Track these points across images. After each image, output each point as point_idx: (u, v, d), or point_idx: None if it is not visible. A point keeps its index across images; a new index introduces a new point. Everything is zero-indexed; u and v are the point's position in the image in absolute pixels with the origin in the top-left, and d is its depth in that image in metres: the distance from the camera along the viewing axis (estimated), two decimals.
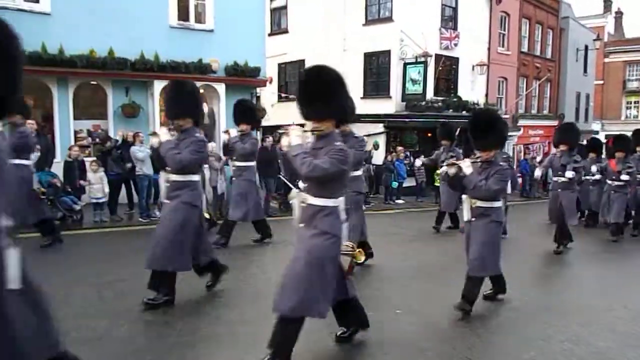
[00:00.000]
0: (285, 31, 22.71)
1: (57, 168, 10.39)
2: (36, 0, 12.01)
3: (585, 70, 33.12)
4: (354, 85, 20.18)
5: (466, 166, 5.40)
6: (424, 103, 19.38)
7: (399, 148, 18.30)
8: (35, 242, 8.04)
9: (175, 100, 5.54)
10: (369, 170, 16.22)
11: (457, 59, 21.04)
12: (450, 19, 20.96)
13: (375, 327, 4.95)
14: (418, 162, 13.55)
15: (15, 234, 2.49)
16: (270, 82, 16.46)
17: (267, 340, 3.91)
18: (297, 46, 21.19)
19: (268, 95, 19.72)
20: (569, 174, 8.90)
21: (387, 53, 19.88)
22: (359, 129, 19.58)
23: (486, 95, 22.72)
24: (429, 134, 19.07)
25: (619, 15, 44.50)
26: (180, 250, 5.30)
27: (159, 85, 12.84)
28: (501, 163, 5.63)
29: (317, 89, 3.87)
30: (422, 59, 19.15)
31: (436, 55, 19.84)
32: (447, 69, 20.89)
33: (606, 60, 40.71)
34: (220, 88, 14.45)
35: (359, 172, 6.99)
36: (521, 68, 25.88)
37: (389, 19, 19.83)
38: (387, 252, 8.91)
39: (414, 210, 15.31)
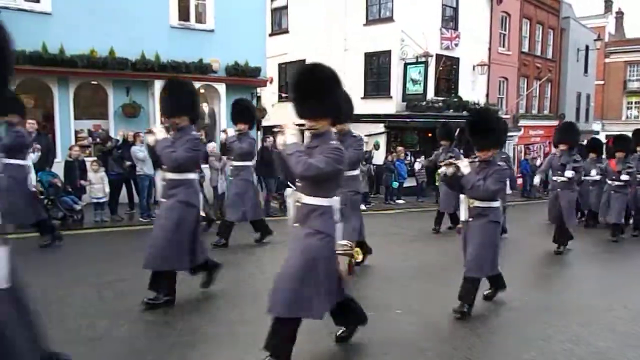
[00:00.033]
0: (286, 31, 22.72)
1: (58, 168, 10.40)
2: (37, 0, 12.02)
3: (585, 71, 33.11)
4: (355, 85, 20.23)
5: (464, 166, 5.37)
6: (424, 103, 19.39)
7: (399, 148, 18.31)
8: (35, 242, 8.05)
9: (171, 98, 5.51)
10: (369, 170, 16.22)
11: (458, 59, 21.04)
12: (450, 19, 20.95)
13: (376, 327, 4.96)
14: (417, 166, 13.56)
15: (4, 233, 2.49)
16: (271, 82, 16.47)
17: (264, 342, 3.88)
18: (298, 46, 21.18)
19: (268, 95, 19.73)
20: (569, 173, 8.86)
21: (388, 53, 19.87)
22: (359, 129, 19.58)
23: (487, 95, 22.72)
24: (430, 134, 19.07)
25: (619, 15, 44.49)
26: (177, 249, 5.28)
27: (159, 85, 12.82)
28: (499, 163, 5.59)
29: (312, 87, 3.82)
30: (423, 59, 19.15)
31: (437, 55, 19.84)
32: (448, 69, 20.89)
33: (607, 60, 40.69)
34: (221, 88, 14.46)
35: (356, 172, 6.95)
36: (522, 68, 25.87)
37: (390, 19, 19.83)
38: (387, 252, 8.91)
39: (414, 211, 15.31)
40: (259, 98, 16.76)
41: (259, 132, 15.21)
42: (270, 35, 20.86)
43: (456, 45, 20.64)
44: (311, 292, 3.78)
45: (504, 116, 20.54)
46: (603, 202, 11.13)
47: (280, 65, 22.40)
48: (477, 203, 5.39)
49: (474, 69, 21.88)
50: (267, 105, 16.91)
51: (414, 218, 13.51)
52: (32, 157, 9.21)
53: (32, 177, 8.36)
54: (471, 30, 21.20)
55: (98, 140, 12.64)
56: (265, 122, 17.49)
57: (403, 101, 19.71)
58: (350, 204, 6.60)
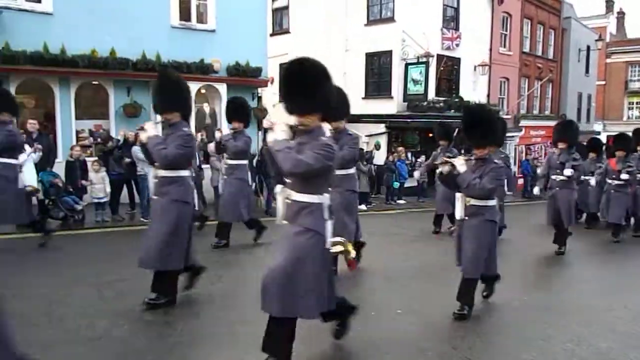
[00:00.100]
0: (287, 31, 22.72)
1: (59, 168, 10.40)
2: (38, 0, 12.03)
3: (587, 71, 33.08)
4: (356, 85, 20.27)
5: (460, 164, 5.34)
6: (425, 103, 19.38)
7: (400, 148, 18.30)
8: (35, 242, 8.07)
9: (163, 94, 5.44)
10: (370, 171, 16.23)
11: (459, 59, 21.03)
12: (452, 20, 20.94)
13: (376, 327, 4.97)
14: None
15: None
16: (272, 83, 16.43)
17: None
18: (299, 46, 21.11)
19: (269, 95, 19.70)
20: (568, 171, 8.78)
21: (389, 53, 19.89)
22: (360, 129, 19.65)
23: (488, 95, 22.70)
24: (431, 135, 19.03)
25: (621, 15, 44.43)
26: (175, 249, 5.26)
27: None
28: (496, 161, 5.53)
29: (300, 82, 3.74)
30: (424, 60, 19.16)
31: (438, 55, 19.84)
32: (449, 70, 20.88)
33: (608, 60, 40.64)
34: (222, 88, 14.47)
35: (352, 170, 6.86)
36: (523, 68, 25.84)
37: (391, 20, 19.84)
38: (388, 252, 8.93)
39: (415, 211, 15.31)
40: (259, 98, 16.76)
41: (260, 132, 15.19)
42: (271, 35, 20.86)
43: (457, 45, 20.63)
44: (302, 292, 3.72)
45: (505, 116, 20.56)
46: (603, 202, 11.09)
47: (281, 65, 22.25)
48: (473, 201, 5.34)
49: (475, 69, 21.86)
50: (268, 105, 16.89)
51: (415, 218, 13.50)
52: (33, 157, 9.23)
53: (33, 177, 8.37)
54: (472, 31, 21.18)
55: (99, 140, 12.65)
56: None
57: (404, 101, 19.71)
58: (346, 203, 6.56)
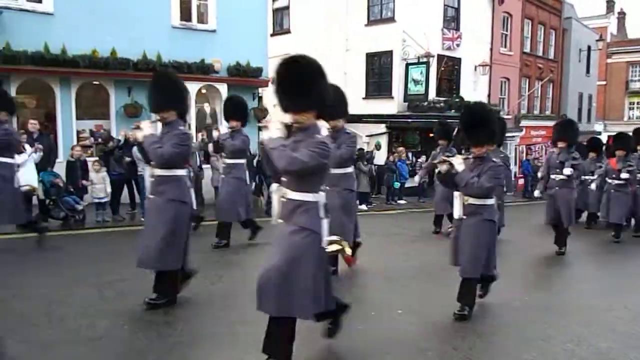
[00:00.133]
0: (288, 31, 22.73)
1: (60, 168, 10.41)
2: (39, 0, 12.03)
3: (587, 71, 33.06)
4: (356, 85, 20.27)
5: (458, 163, 5.30)
6: (426, 103, 19.39)
7: (400, 148, 18.30)
8: (36, 242, 8.08)
9: (157, 92, 5.40)
10: (371, 171, 16.23)
11: (460, 59, 21.03)
12: (452, 20, 20.94)
13: (377, 327, 4.97)
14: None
15: None
16: (273, 83, 16.45)
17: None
18: (300, 46, 21.03)
19: (270, 95, 19.73)
20: (567, 170, 8.75)
21: (390, 53, 19.90)
22: (361, 130, 19.65)
23: (488, 95, 22.69)
24: (431, 135, 19.03)
25: (621, 15, 44.44)
26: (174, 249, 5.23)
27: None
28: (494, 159, 5.48)
29: (296, 80, 3.72)
30: (425, 60, 19.16)
31: (438, 55, 19.84)
32: (450, 70, 20.88)
33: (609, 60, 40.65)
34: (223, 88, 14.46)
35: (350, 169, 6.81)
36: (523, 68, 25.83)
37: (391, 20, 19.85)
38: (389, 252, 8.94)
39: (415, 211, 15.30)
40: (260, 98, 16.76)
41: (260, 132, 15.19)
42: (272, 35, 20.88)
43: (458, 45, 20.62)
44: (297, 291, 3.68)
45: (505, 117, 20.57)
46: (603, 202, 11.06)
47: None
48: (471, 200, 5.30)
49: (475, 69, 21.86)
50: (268, 105, 16.89)
51: (416, 218, 13.50)
52: (34, 157, 9.25)
53: (34, 177, 8.38)
54: (473, 31, 21.18)
55: (100, 140, 12.66)
56: None
57: (404, 101, 19.72)
58: (344, 203, 6.54)
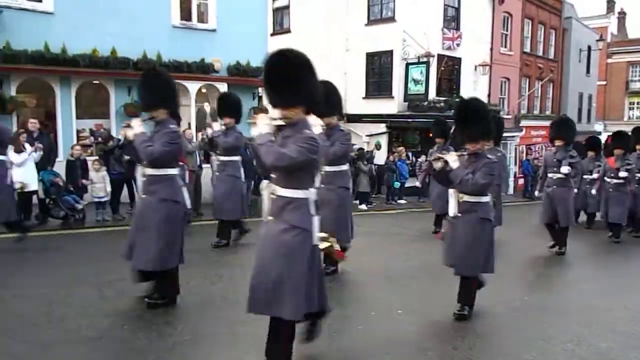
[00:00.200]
0: (288, 31, 22.71)
1: (60, 167, 10.41)
2: (39, 0, 12.03)
3: (588, 71, 33.06)
4: (356, 85, 20.28)
5: (452, 160, 5.23)
6: (426, 103, 19.38)
7: (400, 148, 18.30)
8: (38, 242, 8.08)
9: (148, 91, 5.34)
10: (371, 170, 16.23)
11: (460, 59, 21.03)
12: (452, 19, 20.95)
13: (377, 327, 4.97)
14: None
15: None
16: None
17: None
18: (299, 46, 20.62)
19: None
20: (565, 169, 8.71)
21: (390, 53, 19.90)
22: (361, 129, 19.67)
23: (488, 95, 22.67)
24: (431, 134, 19.07)
25: (622, 15, 44.46)
26: (170, 249, 5.20)
27: None
28: (489, 156, 5.40)
29: (284, 75, 3.65)
30: (425, 59, 19.16)
31: (438, 55, 19.85)
32: (450, 69, 20.88)
33: (609, 60, 40.67)
34: (223, 88, 14.42)
35: (345, 167, 6.74)
36: (524, 68, 25.84)
37: (392, 19, 19.85)
38: (389, 252, 8.94)
39: (416, 211, 15.30)
40: (260, 98, 16.73)
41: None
42: (272, 35, 20.88)
43: (458, 45, 20.62)
44: (288, 291, 3.61)
45: (505, 116, 20.58)
46: (602, 202, 11.01)
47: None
48: (466, 198, 5.22)
49: (475, 69, 21.85)
50: (268, 105, 16.92)
51: (416, 218, 13.50)
52: (34, 156, 9.27)
53: (34, 176, 8.36)
54: (473, 31, 21.18)
55: (100, 139, 12.63)
56: None
57: (405, 101, 19.72)
58: (339, 201, 6.52)
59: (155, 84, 5.36)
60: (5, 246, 8.10)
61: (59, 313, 5.12)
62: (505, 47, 24.22)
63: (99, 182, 10.40)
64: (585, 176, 11.92)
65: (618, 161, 10.50)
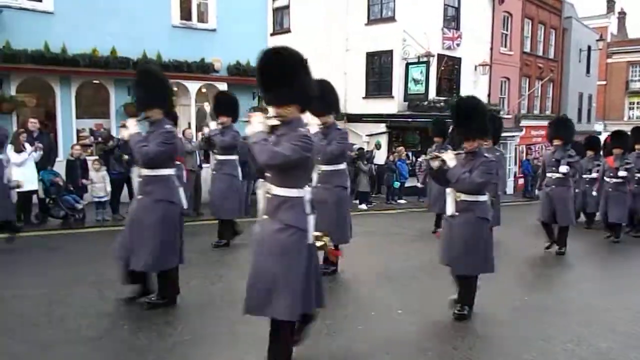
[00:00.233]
0: (288, 31, 22.70)
1: (60, 167, 10.41)
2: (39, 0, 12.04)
3: (588, 71, 33.05)
4: (356, 85, 20.29)
5: (449, 158, 5.20)
6: (426, 103, 19.38)
7: (400, 148, 18.29)
8: (38, 241, 8.07)
9: (142, 90, 5.29)
10: (371, 170, 16.23)
11: (460, 59, 21.02)
12: (452, 19, 20.94)
13: (377, 327, 4.97)
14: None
15: None
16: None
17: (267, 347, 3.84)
18: (299, 46, 20.66)
19: None
20: (563, 168, 8.69)
21: (390, 53, 19.90)
22: (361, 129, 19.67)
23: (488, 95, 22.68)
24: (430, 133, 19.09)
25: (622, 15, 44.46)
26: (168, 248, 5.19)
27: None
28: (486, 155, 5.37)
29: (278, 73, 3.62)
30: (425, 59, 19.16)
31: (438, 55, 19.84)
32: (450, 69, 20.87)
33: (609, 60, 40.68)
34: (223, 88, 14.39)
35: (342, 166, 6.69)
36: (524, 68, 25.83)
37: (392, 19, 19.85)
38: (389, 252, 8.93)
39: (415, 210, 15.27)
40: (260, 98, 16.75)
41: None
42: (272, 34, 20.85)
43: (458, 45, 20.62)
44: (284, 291, 3.59)
45: (505, 116, 20.58)
46: (601, 202, 11.00)
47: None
48: (463, 197, 5.18)
49: (475, 69, 21.85)
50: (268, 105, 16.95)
51: (416, 218, 13.49)
52: (34, 156, 9.27)
53: (34, 176, 8.35)
54: (473, 30, 21.18)
55: (100, 139, 12.62)
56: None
57: (405, 101, 19.72)
58: (337, 200, 6.50)
59: (149, 83, 5.30)
60: (5, 246, 8.10)
61: (59, 313, 5.12)
62: (505, 47, 24.23)
63: (99, 182, 10.39)
64: (584, 176, 11.93)
65: (617, 161, 10.47)
